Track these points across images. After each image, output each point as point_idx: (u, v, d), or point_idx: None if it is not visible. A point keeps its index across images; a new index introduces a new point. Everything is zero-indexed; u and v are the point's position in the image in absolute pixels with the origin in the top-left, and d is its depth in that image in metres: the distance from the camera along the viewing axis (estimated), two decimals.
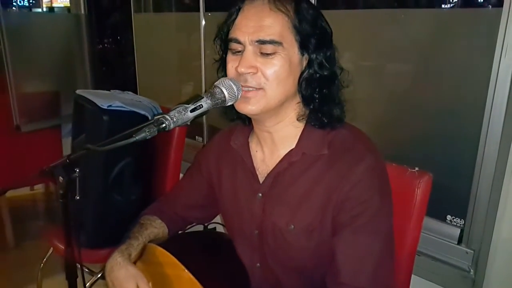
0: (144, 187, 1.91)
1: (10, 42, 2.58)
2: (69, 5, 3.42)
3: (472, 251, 1.39)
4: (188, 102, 0.87)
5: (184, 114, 0.86)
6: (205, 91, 0.92)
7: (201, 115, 0.88)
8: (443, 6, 1.43)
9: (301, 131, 1.00)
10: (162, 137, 1.86)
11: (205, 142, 2.40)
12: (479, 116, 1.33)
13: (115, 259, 1.02)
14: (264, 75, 0.91)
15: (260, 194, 1.04)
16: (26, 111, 2.70)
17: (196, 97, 0.89)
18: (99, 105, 1.75)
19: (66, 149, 2.77)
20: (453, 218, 1.45)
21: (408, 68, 1.57)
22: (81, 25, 3.00)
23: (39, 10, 3.52)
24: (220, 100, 0.90)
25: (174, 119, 0.84)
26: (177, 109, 0.86)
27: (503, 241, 1.30)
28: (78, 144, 1.86)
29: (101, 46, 3.21)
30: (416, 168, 1.15)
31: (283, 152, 1.02)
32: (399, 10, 1.58)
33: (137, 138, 0.81)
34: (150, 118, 1.83)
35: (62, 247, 1.87)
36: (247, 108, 0.94)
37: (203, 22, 2.21)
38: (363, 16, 1.66)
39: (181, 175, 1.95)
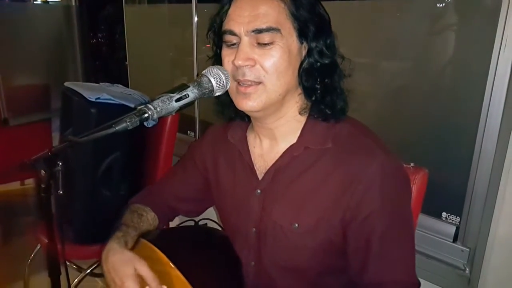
0: (133, 182, 1.87)
1: None
2: None
3: (468, 249, 1.37)
4: (173, 91, 0.84)
5: (169, 103, 0.82)
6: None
7: (187, 105, 0.85)
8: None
9: (303, 124, 0.96)
10: (153, 131, 1.84)
11: (197, 137, 2.37)
12: (476, 112, 1.30)
13: (111, 245, 0.96)
14: (262, 67, 0.87)
15: (259, 191, 1.00)
16: (14, 104, 2.66)
17: (182, 86, 0.85)
18: (87, 97, 1.72)
19: (57, 143, 2.73)
20: (448, 216, 1.43)
21: (404, 63, 1.54)
22: (72, 16, 2.96)
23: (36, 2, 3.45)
24: (207, 90, 0.87)
25: (158, 109, 0.80)
26: (161, 98, 0.82)
27: (500, 239, 1.27)
28: (66, 137, 1.82)
29: (92, 38, 3.16)
30: (412, 164, 1.12)
31: (283, 146, 0.98)
32: (396, 1, 1.55)
33: (117, 128, 0.77)
34: None
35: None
36: (248, 104, 0.89)
37: (195, 15, 2.18)
38: (355, 8, 1.62)
39: None
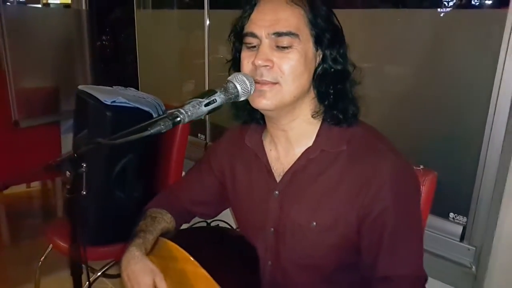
0: (146, 185, 1.91)
1: (10, 37, 2.57)
2: (65, 1, 3.40)
3: (474, 248, 1.41)
4: (202, 97, 0.88)
5: (199, 108, 0.86)
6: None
7: (214, 109, 0.89)
8: (446, 8, 1.45)
9: (317, 128, 1.01)
10: (165, 134, 1.87)
11: (208, 140, 2.41)
12: (483, 116, 1.35)
13: (133, 253, 1.00)
14: (280, 69, 0.91)
15: (277, 192, 1.04)
16: (25, 106, 2.68)
17: (210, 92, 0.89)
18: (103, 100, 1.75)
19: (65, 145, 2.76)
20: (456, 216, 1.47)
21: (413, 69, 1.59)
22: (82, 20, 2.99)
23: (38, 5, 3.49)
24: (233, 95, 0.91)
25: (189, 113, 0.84)
26: (192, 103, 0.86)
27: (505, 238, 1.32)
28: (81, 140, 1.86)
29: (102, 42, 3.20)
30: (421, 166, 1.16)
31: (298, 150, 1.02)
32: (407, 10, 1.60)
33: (152, 131, 0.81)
34: (154, 114, 1.83)
35: (62, 243, 1.88)
36: (262, 102, 0.93)
37: (207, 20, 2.22)
38: (365, 16, 1.67)
39: (183, 173, 1.95)
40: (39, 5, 3.44)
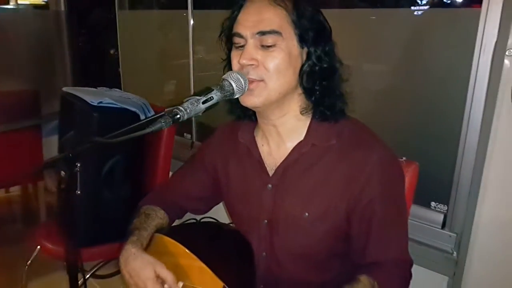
0: (134, 185, 1.92)
1: None
2: (36, 2, 3.35)
3: (455, 234, 1.49)
4: (199, 94, 0.91)
5: (197, 105, 0.90)
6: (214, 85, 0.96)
7: (211, 106, 0.93)
8: (419, 6, 1.52)
9: (307, 124, 1.05)
10: (151, 135, 1.88)
11: (194, 139, 2.42)
12: (460, 109, 1.42)
13: (129, 250, 1.03)
14: (265, 67, 0.96)
15: (270, 186, 1.08)
16: (4, 110, 2.62)
17: (207, 90, 0.93)
18: (89, 101, 1.75)
19: (47, 149, 2.72)
20: (437, 205, 1.54)
21: (392, 66, 1.65)
22: (61, 22, 2.96)
23: (8, 6, 3.40)
24: (229, 93, 0.95)
25: (188, 110, 0.88)
26: (190, 100, 0.90)
27: (483, 224, 1.39)
28: (67, 142, 1.85)
29: (82, 43, 3.16)
30: (404, 158, 1.22)
31: (290, 145, 1.07)
32: (384, 9, 1.67)
33: (153, 129, 0.84)
34: (140, 115, 1.84)
35: (51, 245, 1.87)
36: (251, 100, 0.98)
37: (191, 20, 2.24)
38: (343, 16, 1.72)
39: (170, 173, 1.97)
40: (10, 6, 3.34)
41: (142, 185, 1.97)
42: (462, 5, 1.46)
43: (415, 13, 1.52)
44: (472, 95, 1.39)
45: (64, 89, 1.94)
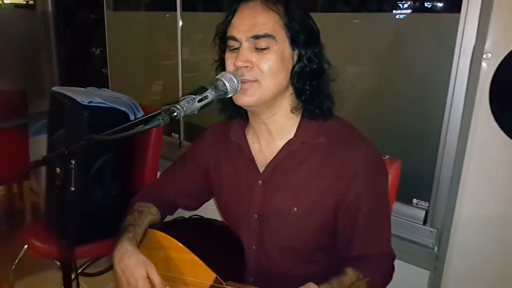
0: (123, 184, 1.94)
1: None
2: (16, 1, 3.32)
3: (436, 230, 1.54)
4: (195, 93, 0.95)
5: (193, 104, 0.93)
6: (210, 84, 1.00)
7: (206, 105, 0.96)
8: (401, 11, 1.58)
9: (296, 122, 1.10)
10: (140, 134, 1.91)
11: (182, 139, 2.45)
12: (441, 110, 1.48)
13: (125, 247, 1.06)
14: (259, 68, 1.00)
15: (260, 182, 1.13)
16: None
17: (201, 89, 0.97)
18: (79, 101, 1.77)
19: (33, 148, 2.71)
20: (418, 201, 1.60)
21: (375, 68, 1.71)
22: (48, 22, 2.95)
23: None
24: (222, 92, 0.99)
25: (184, 108, 0.92)
26: (186, 99, 0.93)
27: (463, 220, 1.45)
28: (56, 141, 1.86)
29: (69, 44, 3.15)
30: (387, 156, 1.27)
31: (280, 143, 1.11)
32: (367, 14, 1.72)
33: (152, 125, 0.88)
34: (130, 114, 1.86)
35: (39, 244, 1.88)
36: (244, 99, 1.02)
37: (180, 22, 2.27)
38: (326, 20, 1.76)
39: (158, 173, 1.99)
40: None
41: (131, 184, 1.99)
42: (443, 10, 1.52)
43: (397, 17, 1.58)
44: (452, 96, 1.45)
45: (54, 88, 1.96)
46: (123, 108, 1.84)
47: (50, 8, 2.97)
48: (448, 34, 1.43)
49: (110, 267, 2.28)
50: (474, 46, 1.36)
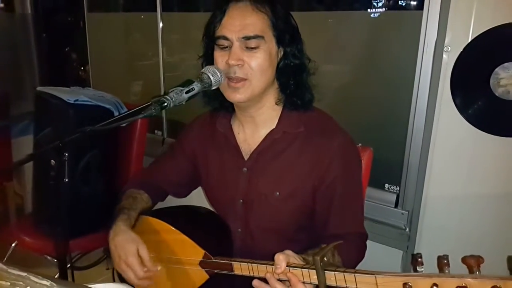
0: (108, 179, 2.00)
1: None
2: None
3: (407, 212, 1.65)
4: (182, 86, 1.03)
5: (181, 95, 1.01)
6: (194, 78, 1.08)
7: (193, 96, 1.05)
8: (372, 9, 1.68)
9: (279, 113, 1.19)
10: (124, 131, 1.96)
11: (165, 136, 2.50)
12: (408, 100, 1.59)
13: (119, 227, 1.14)
14: (250, 66, 1.09)
15: (245, 169, 1.21)
16: None
17: (188, 82, 1.05)
18: (66, 99, 1.82)
19: (16, 149, 2.71)
20: (390, 186, 1.71)
21: (347, 63, 1.81)
22: (28, 25, 2.96)
23: None
24: (207, 84, 1.07)
25: (173, 99, 1.00)
26: (174, 91, 1.01)
27: (430, 202, 1.56)
28: (43, 138, 1.90)
29: (49, 45, 3.16)
30: (360, 144, 1.36)
31: (263, 132, 1.20)
32: (340, 12, 1.83)
33: (145, 114, 0.96)
34: (114, 111, 1.92)
35: (29, 239, 1.92)
36: (237, 97, 1.11)
37: (161, 23, 2.32)
38: (301, 18, 1.87)
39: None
40: None
41: (116, 180, 2.04)
42: (412, 7, 1.62)
43: (372, 15, 1.68)
44: (418, 87, 1.56)
45: (39, 88, 2.00)
46: (108, 106, 1.90)
47: (29, 11, 2.98)
48: (414, 30, 1.54)
49: (99, 261, 2.34)
50: (436, 40, 1.47)
